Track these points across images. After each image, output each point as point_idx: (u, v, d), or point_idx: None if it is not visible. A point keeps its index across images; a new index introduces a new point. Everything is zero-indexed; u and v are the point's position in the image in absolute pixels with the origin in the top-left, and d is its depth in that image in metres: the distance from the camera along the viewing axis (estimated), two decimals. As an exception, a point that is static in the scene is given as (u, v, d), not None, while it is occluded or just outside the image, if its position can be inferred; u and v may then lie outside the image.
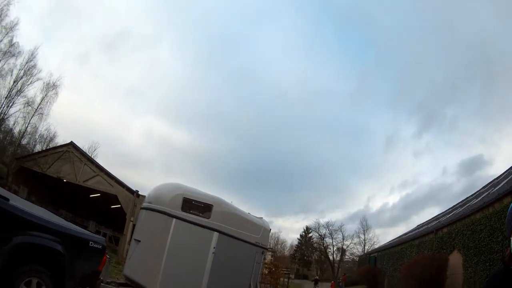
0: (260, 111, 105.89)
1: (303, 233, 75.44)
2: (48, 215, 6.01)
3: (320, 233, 69.81)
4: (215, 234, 9.59)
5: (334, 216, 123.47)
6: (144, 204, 10.24)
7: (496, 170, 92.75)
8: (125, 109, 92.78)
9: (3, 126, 28.25)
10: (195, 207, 9.55)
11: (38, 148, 29.24)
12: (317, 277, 46.32)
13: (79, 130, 63.80)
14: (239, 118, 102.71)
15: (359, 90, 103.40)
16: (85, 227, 8.30)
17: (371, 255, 41.85)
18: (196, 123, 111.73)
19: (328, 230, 68.60)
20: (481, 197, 19.77)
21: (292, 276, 48.43)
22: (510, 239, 1.99)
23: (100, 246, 6.46)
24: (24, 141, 29.63)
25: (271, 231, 13.36)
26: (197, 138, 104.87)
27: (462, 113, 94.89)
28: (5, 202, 4.52)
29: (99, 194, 28.52)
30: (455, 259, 16.80)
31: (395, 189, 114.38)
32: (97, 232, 7.45)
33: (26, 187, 26.18)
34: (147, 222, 9.71)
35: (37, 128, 29.59)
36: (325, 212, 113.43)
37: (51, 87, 29.26)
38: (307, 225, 76.88)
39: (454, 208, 28.25)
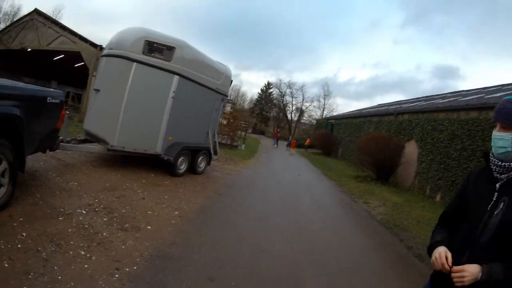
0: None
1: (264, 88, 77.34)
2: (3, 82, 5.35)
3: (281, 90, 71.87)
4: (176, 77, 9.28)
5: (302, 77, 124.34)
6: (105, 51, 9.69)
7: (467, 87, 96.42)
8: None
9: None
10: (157, 49, 9.09)
11: (2, 26, 27.21)
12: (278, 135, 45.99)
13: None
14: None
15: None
16: (47, 87, 7.99)
17: (329, 121, 42.71)
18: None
19: (290, 89, 70.91)
20: (447, 100, 20.03)
21: (250, 130, 49.90)
22: (492, 131, 2.02)
23: (58, 101, 6.11)
24: (-13, 26, 27.60)
25: (233, 82, 13.18)
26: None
27: (455, 23, 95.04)
28: None
29: (62, 55, 27.64)
30: (411, 148, 17.41)
31: (367, 66, 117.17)
32: (60, 91, 7.23)
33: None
34: (107, 69, 9.22)
35: (1, 8, 27.69)
36: (293, 72, 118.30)
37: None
38: (269, 80, 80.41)
39: (418, 99, 28.93)
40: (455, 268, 1.95)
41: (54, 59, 29.19)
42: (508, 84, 19.83)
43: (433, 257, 2.12)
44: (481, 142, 12.19)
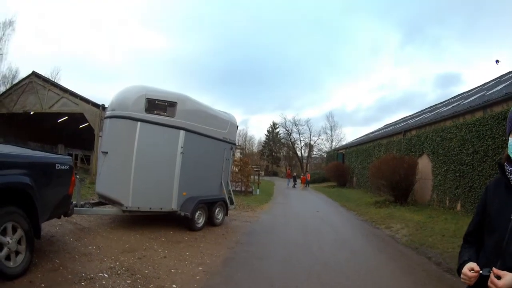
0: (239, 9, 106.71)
1: (270, 129, 77.58)
2: (10, 149, 5.58)
3: (287, 129, 72.19)
4: (182, 132, 9.30)
5: (311, 113, 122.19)
6: (107, 113, 9.77)
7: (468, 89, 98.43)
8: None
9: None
10: (159, 106, 9.18)
11: (1, 90, 28.01)
12: (295, 174, 46.77)
13: (42, 58, 61.70)
14: (225, 19, 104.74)
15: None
16: (55, 153, 8.17)
17: (339, 151, 42.77)
18: (173, 26, 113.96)
19: (296, 126, 71.19)
20: (451, 106, 20.05)
21: (262, 173, 50.00)
22: (509, 138, 2.03)
23: (67, 167, 6.17)
24: (-15, 89, 28.50)
25: (239, 128, 13.19)
26: (175, 42, 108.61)
27: (449, 33, 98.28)
28: None
29: (66, 117, 28.15)
30: (424, 163, 17.26)
31: (372, 91, 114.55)
32: (68, 155, 7.21)
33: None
34: (112, 131, 9.28)
35: (-1, 71, 28.56)
36: (302, 109, 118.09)
37: (7, 25, 27.83)
38: (274, 121, 79.41)
39: (423, 112, 28.94)
40: (495, 270, 1.89)
41: (58, 121, 29.71)
42: (505, 74, 20.02)
43: (462, 278, 2.08)
44: (491, 141, 12.03)
